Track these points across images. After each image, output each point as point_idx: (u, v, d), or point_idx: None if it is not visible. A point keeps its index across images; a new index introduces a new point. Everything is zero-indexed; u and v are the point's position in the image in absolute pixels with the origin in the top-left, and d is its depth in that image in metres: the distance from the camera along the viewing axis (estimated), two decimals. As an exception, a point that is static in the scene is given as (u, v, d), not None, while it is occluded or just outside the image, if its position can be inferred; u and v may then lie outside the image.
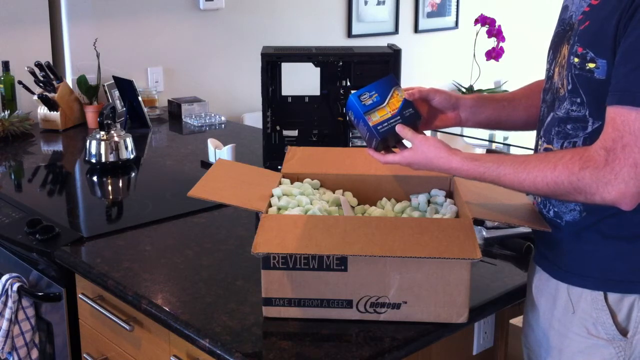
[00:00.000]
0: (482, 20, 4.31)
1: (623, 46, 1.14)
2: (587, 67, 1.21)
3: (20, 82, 2.82)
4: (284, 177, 1.60)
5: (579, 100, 1.25)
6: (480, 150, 3.88)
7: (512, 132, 3.67)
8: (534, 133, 1.44)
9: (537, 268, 1.39)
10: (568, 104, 1.27)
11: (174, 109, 3.17)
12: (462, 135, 3.89)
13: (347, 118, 1.68)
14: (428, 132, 1.47)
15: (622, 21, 1.15)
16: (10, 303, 1.78)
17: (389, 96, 1.44)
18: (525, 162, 1.24)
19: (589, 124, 1.24)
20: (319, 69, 2.26)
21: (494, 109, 1.53)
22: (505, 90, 4.47)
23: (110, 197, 2.27)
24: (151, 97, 3.15)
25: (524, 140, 3.49)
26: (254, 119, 3.37)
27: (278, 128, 2.26)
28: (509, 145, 3.72)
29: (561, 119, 1.29)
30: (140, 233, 1.80)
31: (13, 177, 2.42)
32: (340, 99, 2.27)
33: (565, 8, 1.34)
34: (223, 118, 3.09)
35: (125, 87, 2.92)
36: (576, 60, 1.23)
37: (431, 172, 1.57)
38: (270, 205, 1.45)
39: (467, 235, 1.28)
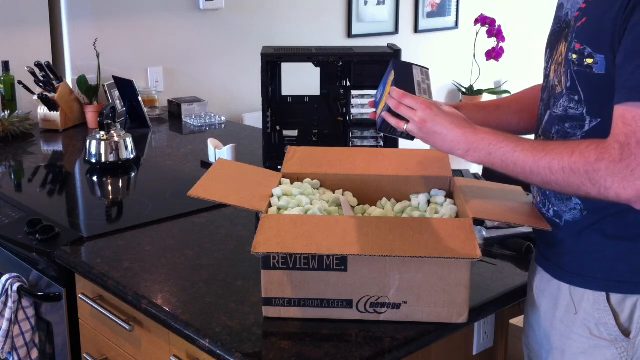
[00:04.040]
0: (482, 20, 4.31)
1: (625, 44, 1.14)
2: (586, 63, 1.21)
3: (20, 82, 2.82)
4: (284, 177, 1.59)
5: (576, 97, 1.25)
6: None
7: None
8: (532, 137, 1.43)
9: (538, 268, 1.39)
10: (566, 101, 1.27)
11: (174, 109, 3.17)
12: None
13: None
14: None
15: (620, 16, 1.14)
16: (10, 303, 1.78)
17: (385, 89, 1.45)
18: (545, 143, 1.23)
19: (586, 123, 1.24)
20: (319, 69, 2.26)
21: (483, 115, 1.53)
22: (506, 90, 4.48)
23: (110, 197, 2.27)
24: (151, 97, 3.15)
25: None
26: (254, 119, 3.37)
27: (278, 128, 2.26)
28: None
29: (560, 117, 1.29)
30: (140, 233, 1.80)
31: (13, 177, 2.42)
32: (341, 99, 2.27)
33: (560, 6, 1.35)
34: (223, 118, 3.09)
35: (125, 87, 2.92)
36: (574, 56, 1.23)
37: (431, 171, 1.57)
38: (270, 205, 1.44)
39: (467, 235, 1.28)
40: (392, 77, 1.44)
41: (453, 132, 1.30)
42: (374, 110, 1.52)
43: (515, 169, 1.24)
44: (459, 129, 1.30)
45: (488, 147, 1.26)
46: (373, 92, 2.20)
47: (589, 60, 1.20)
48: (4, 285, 1.79)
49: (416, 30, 4.32)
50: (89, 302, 1.65)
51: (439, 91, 4.52)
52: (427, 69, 1.50)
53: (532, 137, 1.42)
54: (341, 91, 2.27)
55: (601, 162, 1.13)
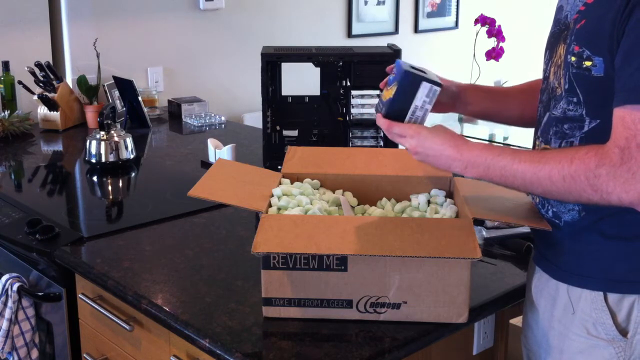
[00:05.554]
0: (482, 20, 4.30)
1: (624, 47, 1.14)
2: (584, 66, 1.21)
3: (20, 82, 2.82)
4: (284, 177, 1.60)
5: (575, 99, 1.25)
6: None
7: (512, 131, 3.67)
8: (533, 132, 1.43)
9: (537, 268, 1.39)
10: (564, 103, 1.27)
11: (174, 109, 3.17)
12: (462, 135, 3.88)
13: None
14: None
15: (618, 19, 1.14)
16: (10, 303, 1.78)
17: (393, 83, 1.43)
18: (542, 152, 1.22)
19: (585, 124, 1.24)
20: (319, 69, 2.26)
21: (489, 101, 1.55)
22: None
23: (110, 197, 2.27)
24: (151, 97, 3.16)
25: (524, 140, 3.49)
26: (254, 119, 3.37)
27: (278, 128, 2.26)
28: (509, 145, 3.72)
29: (558, 119, 1.29)
30: (140, 233, 1.80)
31: (13, 177, 2.42)
32: (341, 99, 2.27)
33: (560, 8, 1.35)
34: (223, 118, 3.09)
35: (125, 87, 2.92)
36: (573, 59, 1.23)
37: (431, 172, 1.57)
38: (270, 205, 1.45)
39: (467, 235, 1.28)
40: (394, 89, 1.39)
41: (447, 151, 1.30)
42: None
43: (514, 181, 1.23)
44: (453, 147, 1.30)
45: (485, 162, 1.26)
46: (373, 92, 2.21)
47: (588, 63, 1.20)
48: (4, 285, 1.79)
49: (416, 30, 4.32)
50: (89, 302, 1.65)
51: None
52: (440, 87, 1.37)
53: (531, 136, 1.43)
54: (341, 91, 2.27)
55: (602, 167, 1.13)
